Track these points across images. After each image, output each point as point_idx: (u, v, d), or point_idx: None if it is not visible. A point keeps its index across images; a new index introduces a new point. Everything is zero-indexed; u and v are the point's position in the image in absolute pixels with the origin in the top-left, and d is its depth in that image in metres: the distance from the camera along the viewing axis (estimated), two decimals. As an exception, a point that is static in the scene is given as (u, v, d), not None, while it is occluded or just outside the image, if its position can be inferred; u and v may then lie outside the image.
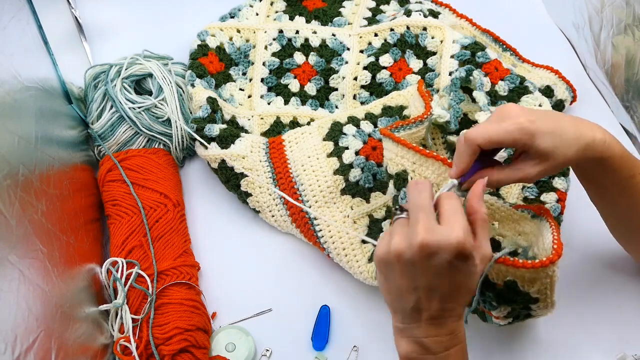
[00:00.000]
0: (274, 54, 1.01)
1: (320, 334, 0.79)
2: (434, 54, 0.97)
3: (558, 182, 0.83)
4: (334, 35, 1.01)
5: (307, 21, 1.03)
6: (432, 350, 0.58)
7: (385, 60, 0.98)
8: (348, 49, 1.00)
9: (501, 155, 0.72)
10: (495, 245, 0.72)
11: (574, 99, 0.98)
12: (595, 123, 0.65)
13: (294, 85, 0.99)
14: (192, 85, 0.93)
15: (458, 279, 0.55)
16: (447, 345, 0.58)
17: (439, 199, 0.58)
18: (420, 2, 1.05)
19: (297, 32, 1.02)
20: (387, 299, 0.60)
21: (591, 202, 0.74)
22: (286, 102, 0.99)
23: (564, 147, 0.61)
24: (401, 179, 0.72)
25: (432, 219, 0.55)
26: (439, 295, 0.56)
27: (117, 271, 0.78)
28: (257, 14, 1.04)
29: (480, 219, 0.58)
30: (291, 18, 1.03)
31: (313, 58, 1.00)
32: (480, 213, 0.58)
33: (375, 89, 0.98)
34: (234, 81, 1.00)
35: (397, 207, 0.60)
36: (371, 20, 1.03)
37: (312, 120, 0.95)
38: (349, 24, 1.03)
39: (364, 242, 0.82)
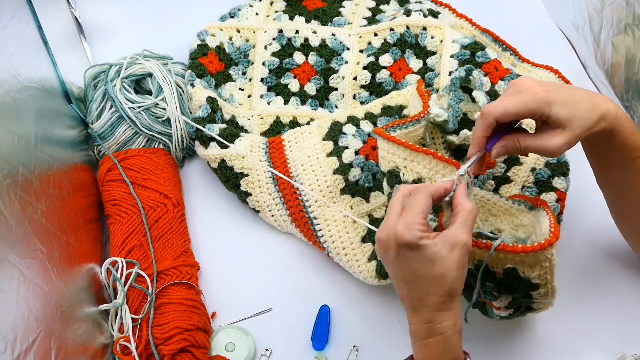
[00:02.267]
0: (274, 54, 1.01)
1: (320, 334, 0.79)
2: (434, 54, 0.97)
3: (558, 182, 0.83)
4: (334, 35, 1.01)
5: (307, 21, 1.03)
6: (416, 335, 0.61)
7: (385, 60, 0.98)
8: (348, 49, 1.00)
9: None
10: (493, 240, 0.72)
11: (574, 99, 0.97)
12: (607, 97, 0.65)
13: (294, 85, 0.99)
14: (192, 85, 0.94)
15: (415, 267, 0.59)
16: (427, 334, 0.60)
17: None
18: (420, 2, 1.05)
19: (297, 32, 1.02)
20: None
21: (592, 202, 0.74)
22: (286, 102, 0.99)
23: (581, 116, 0.62)
24: (394, 176, 0.72)
25: (392, 215, 0.60)
26: (407, 284, 0.60)
27: (117, 271, 0.78)
28: (257, 14, 1.04)
29: (463, 210, 0.60)
30: (291, 18, 1.03)
31: (313, 58, 1.00)
32: (462, 205, 0.61)
33: (375, 89, 0.98)
34: (234, 81, 1.00)
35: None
36: (371, 20, 1.03)
37: (312, 120, 0.95)
38: (349, 24, 1.03)
39: (364, 241, 0.82)
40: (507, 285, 0.65)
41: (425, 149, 0.70)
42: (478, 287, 0.65)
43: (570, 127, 0.62)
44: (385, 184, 0.74)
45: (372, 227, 0.72)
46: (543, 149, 0.64)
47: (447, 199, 0.63)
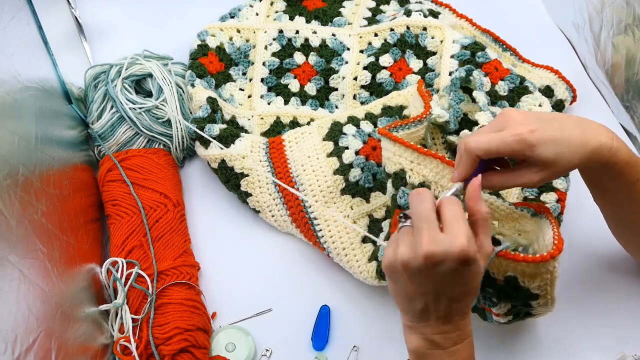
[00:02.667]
0: (274, 54, 1.01)
1: (320, 334, 0.79)
2: (434, 54, 0.97)
3: (558, 182, 0.83)
4: (334, 35, 1.01)
5: (307, 21, 1.03)
6: (441, 345, 0.59)
7: (385, 60, 0.98)
8: (348, 49, 1.00)
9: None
10: (496, 244, 0.72)
11: (574, 99, 0.98)
12: (602, 125, 0.63)
13: (294, 85, 0.99)
14: (192, 85, 0.94)
15: (464, 283, 0.56)
16: (456, 341, 0.59)
17: (440, 205, 0.58)
18: (420, 2, 1.05)
19: (297, 32, 1.02)
20: (396, 300, 0.61)
21: (592, 202, 0.74)
22: (286, 102, 0.99)
23: (568, 155, 0.60)
24: (399, 178, 0.72)
25: (435, 228, 0.55)
26: (446, 299, 0.57)
27: (117, 271, 0.78)
28: (257, 14, 1.04)
29: (481, 218, 0.58)
30: (291, 18, 1.03)
31: (313, 58, 1.00)
32: (480, 213, 0.58)
33: (375, 89, 0.98)
34: (234, 81, 1.00)
35: (401, 215, 0.61)
36: (371, 20, 1.03)
37: (312, 120, 0.95)
38: (349, 24, 1.03)
39: (364, 241, 0.82)
40: (506, 293, 0.65)
41: (432, 152, 0.69)
42: (478, 293, 0.65)
43: (553, 166, 0.60)
44: (389, 185, 0.74)
45: (369, 235, 0.72)
46: (521, 184, 0.63)
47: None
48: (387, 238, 0.77)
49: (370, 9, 1.06)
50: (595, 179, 0.68)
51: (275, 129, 0.95)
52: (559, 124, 0.61)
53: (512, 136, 0.60)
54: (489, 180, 0.64)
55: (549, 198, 0.82)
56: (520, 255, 0.61)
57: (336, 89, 0.99)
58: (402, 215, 0.60)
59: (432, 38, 0.97)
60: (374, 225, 0.84)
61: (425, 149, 0.70)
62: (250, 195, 0.87)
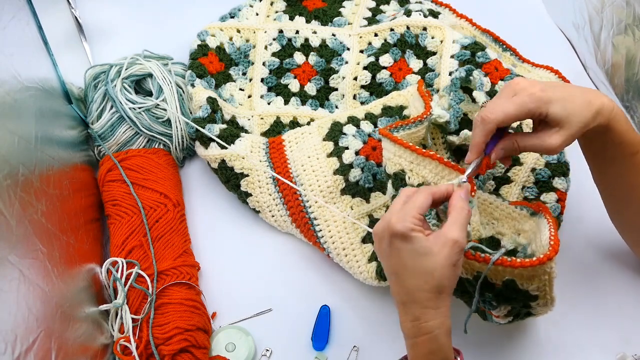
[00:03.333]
0: (274, 54, 1.01)
1: (320, 334, 0.79)
2: (434, 54, 0.97)
3: (558, 182, 0.83)
4: (334, 35, 1.01)
5: (307, 21, 1.03)
6: (406, 334, 0.62)
7: (385, 60, 0.98)
8: (348, 49, 1.00)
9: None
10: (495, 244, 0.72)
11: (574, 99, 0.97)
12: (601, 92, 0.66)
13: (294, 85, 0.99)
14: (192, 85, 0.94)
15: (405, 259, 0.59)
16: (414, 333, 0.60)
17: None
18: (420, 2, 1.05)
19: (297, 32, 1.02)
20: None
21: (592, 202, 0.74)
22: (286, 102, 0.99)
23: (578, 112, 0.62)
24: (399, 179, 0.72)
25: (390, 210, 0.61)
26: (396, 278, 0.61)
27: (117, 271, 0.78)
28: (257, 14, 1.04)
29: (455, 208, 0.61)
30: (291, 18, 1.03)
31: (313, 58, 1.00)
32: (454, 204, 0.61)
33: (375, 89, 0.98)
34: (234, 81, 1.00)
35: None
36: (371, 20, 1.03)
37: (312, 120, 0.95)
38: (349, 24, 1.03)
39: (364, 241, 0.82)
40: (505, 296, 0.65)
41: (432, 153, 0.69)
42: (477, 298, 0.65)
43: (567, 124, 0.62)
44: (389, 186, 0.74)
45: (370, 229, 0.72)
46: (542, 148, 0.64)
47: (442, 207, 0.63)
48: None
49: (370, 9, 1.06)
50: (595, 147, 0.69)
51: (275, 129, 0.95)
52: (563, 87, 0.65)
53: (527, 97, 0.62)
54: (512, 143, 0.66)
55: (549, 198, 0.82)
56: (517, 260, 0.61)
57: (336, 89, 0.99)
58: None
59: (432, 38, 0.97)
60: (374, 225, 0.83)
61: (425, 150, 0.70)
62: (250, 195, 0.87)
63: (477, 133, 0.65)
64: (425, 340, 0.59)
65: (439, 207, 0.65)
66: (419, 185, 0.70)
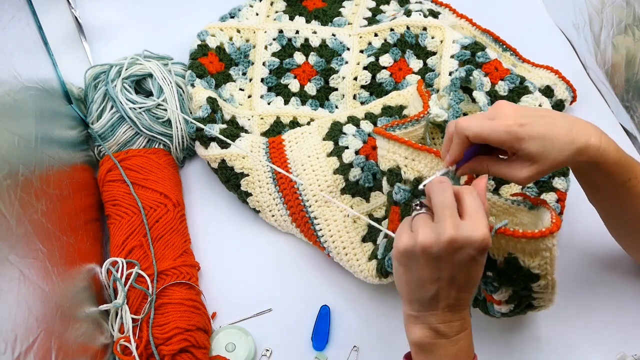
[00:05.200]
0: (274, 54, 1.01)
1: (320, 334, 0.79)
2: (434, 54, 0.97)
3: (558, 182, 0.83)
4: (334, 35, 1.01)
5: (307, 21, 1.03)
6: (446, 334, 0.61)
7: (385, 60, 0.98)
8: (348, 49, 1.00)
9: None
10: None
11: (574, 99, 0.98)
12: (593, 125, 0.64)
13: (294, 85, 0.99)
14: (192, 85, 0.94)
15: (475, 271, 0.59)
16: (459, 330, 0.61)
17: (461, 194, 0.60)
18: (420, 2, 1.05)
19: (297, 32, 1.02)
20: (404, 289, 0.63)
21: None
22: (286, 102, 0.99)
23: (555, 152, 0.61)
24: (394, 175, 0.72)
25: (457, 215, 0.58)
26: (457, 286, 0.59)
27: (117, 271, 0.78)
28: (257, 14, 1.04)
29: (476, 205, 0.60)
30: (291, 18, 1.03)
31: (313, 58, 1.00)
32: (475, 200, 0.60)
33: (375, 89, 0.98)
34: (234, 81, 1.00)
35: (417, 203, 0.62)
36: (371, 20, 1.03)
37: (312, 120, 0.96)
38: (349, 24, 1.03)
39: (364, 240, 0.82)
40: (507, 275, 0.65)
41: (426, 147, 0.70)
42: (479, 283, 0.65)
43: (540, 161, 0.62)
44: (384, 182, 0.74)
45: (376, 224, 0.72)
46: (511, 177, 0.64)
47: (421, 187, 0.63)
48: (386, 235, 0.78)
49: (370, 9, 1.06)
50: (586, 177, 0.69)
51: (275, 129, 0.95)
52: (548, 120, 0.63)
53: (502, 126, 0.61)
54: (482, 167, 0.65)
55: (549, 198, 0.82)
56: (520, 231, 0.61)
57: (336, 89, 0.99)
58: (417, 203, 0.62)
59: (432, 38, 0.97)
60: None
61: (420, 145, 0.70)
62: (250, 195, 0.87)
63: (454, 142, 0.64)
64: (467, 334, 0.62)
65: (423, 198, 0.65)
66: (415, 179, 0.70)
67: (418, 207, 0.61)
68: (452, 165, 0.66)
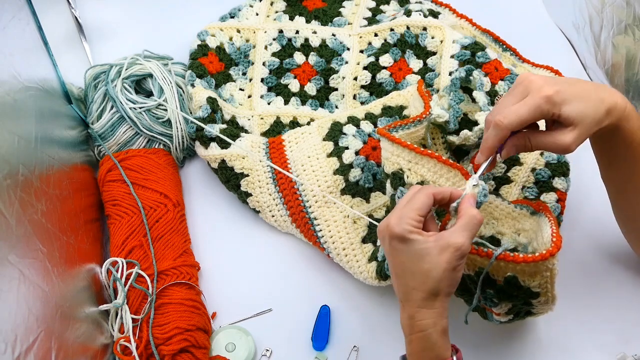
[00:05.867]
0: (274, 54, 1.01)
1: (320, 334, 0.79)
2: (434, 54, 0.97)
3: (558, 182, 0.83)
4: (334, 35, 1.01)
5: (307, 21, 1.03)
6: (403, 331, 0.63)
7: (385, 60, 0.98)
8: (348, 49, 1.00)
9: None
10: (495, 243, 0.72)
11: (574, 99, 0.97)
12: (616, 90, 0.65)
13: (294, 85, 0.99)
14: (192, 85, 0.94)
15: (403, 260, 0.60)
16: (409, 330, 0.62)
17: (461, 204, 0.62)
18: (420, 2, 1.05)
19: (297, 32, 1.02)
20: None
21: (592, 203, 0.74)
22: (286, 102, 0.99)
23: (591, 112, 0.62)
24: (397, 178, 0.72)
25: (394, 209, 0.62)
26: (396, 277, 0.62)
27: (117, 271, 0.78)
28: (257, 14, 1.04)
29: (466, 215, 0.61)
30: (291, 18, 1.03)
31: (313, 58, 1.00)
32: (466, 210, 0.61)
33: (375, 89, 0.98)
34: (234, 81, 1.00)
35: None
36: (371, 20, 1.03)
37: (312, 120, 0.95)
38: (349, 24, 1.03)
39: (364, 241, 0.82)
40: (507, 293, 0.65)
41: (430, 152, 0.69)
42: (478, 293, 0.65)
43: (581, 123, 0.62)
44: (388, 185, 0.74)
45: (375, 222, 0.73)
46: (555, 146, 0.64)
47: (454, 204, 0.63)
48: None
49: (370, 9, 1.06)
50: (606, 145, 0.69)
51: (275, 129, 0.95)
52: (577, 83, 0.64)
53: (540, 98, 0.61)
54: (525, 141, 0.65)
55: (549, 198, 0.82)
56: (520, 256, 0.61)
57: (336, 89, 0.99)
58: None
59: (432, 38, 0.97)
60: (374, 225, 0.83)
61: (423, 149, 0.70)
62: (250, 195, 0.87)
63: (490, 137, 0.64)
64: (419, 338, 0.61)
65: (450, 207, 0.65)
66: (417, 184, 0.70)
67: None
68: (488, 157, 0.65)
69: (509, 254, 0.61)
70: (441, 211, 0.71)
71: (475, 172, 0.65)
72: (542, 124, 0.67)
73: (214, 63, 0.98)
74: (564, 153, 0.65)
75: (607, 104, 0.62)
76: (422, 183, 0.70)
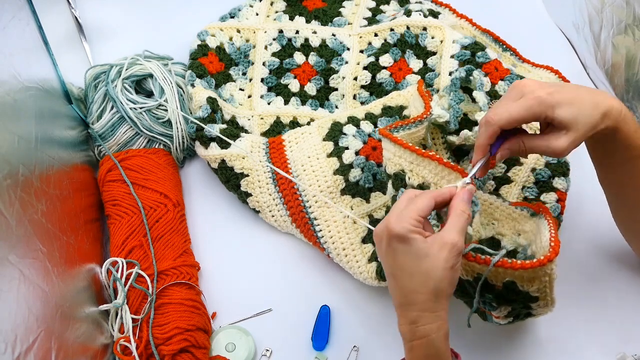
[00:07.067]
0: (274, 54, 1.01)
1: (320, 334, 0.79)
2: (434, 54, 0.97)
3: (558, 182, 0.83)
4: (334, 35, 1.01)
5: (307, 21, 1.03)
6: (403, 337, 0.61)
7: (385, 60, 0.98)
8: (348, 49, 1.00)
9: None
10: (496, 244, 0.72)
11: (574, 99, 0.97)
12: (609, 94, 0.65)
13: (294, 85, 0.99)
14: (192, 85, 0.94)
15: (402, 261, 0.59)
16: (411, 336, 0.60)
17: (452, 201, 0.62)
18: (420, 2, 1.05)
19: (297, 32, 1.02)
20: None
21: (592, 203, 0.74)
22: (286, 102, 0.99)
23: (585, 115, 0.62)
24: (399, 179, 0.72)
25: (391, 211, 0.61)
26: (395, 280, 0.61)
27: (117, 271, 0.78)
28: (257, 14, 1.04)
29: (454, 211, 0.61)
30: (291, 18, 1.03)
31: (313, 58, 1.00)
32: (454, 207, 0.61)
33: (375, 89, 0.98)
34: (234, 81, 1.00)
35: None
36: (371, 20, 1.03)
37: (312, 120, 0.95)
38: (349, 24, 1.03)
39: (364, 241, 0.82)
40: (506, 297, 0.65)
41: (431, 154, 0.69)
42: (477, 298, 0.65)
43: (574, 127, 0.62)
44: (390, 186, 0.74)
45: (372, 227, 0.72)
46: (549, 150, 0.64)
47: (446, 209, 0.63)
48: None
49: (370, 9, 1.06)
50: (603, 149, 0.69)
51: (275, 129, 0.95)
52: (571, 89, 0.64)
53: (532, 99, 0.62)
54: (519, 144, 0.65)
55: (549, 198, 0.82)
56: (517, 262, 0.61)
57: (336, 89, 0.99)
58: None
59: (432, 38, 0.97)
60: (374, 226, 0.83)
61: (424, 151, 0.70)
62: (250, 195, 0.87)
63: (480, 134, 0.65)
64: (422, 344, 0.59)
65: (441, 210, 0.65)
66: (419, 185, 0.70)
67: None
68: (483, 153, 0.65)
69: (506, 260, 0.61)
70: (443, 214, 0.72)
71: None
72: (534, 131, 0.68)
73: (214, 63, 0.98)
74: (558, 157, 0.65)
75: (602, 108, 0.62)
76: (423, 184, 0.70)
